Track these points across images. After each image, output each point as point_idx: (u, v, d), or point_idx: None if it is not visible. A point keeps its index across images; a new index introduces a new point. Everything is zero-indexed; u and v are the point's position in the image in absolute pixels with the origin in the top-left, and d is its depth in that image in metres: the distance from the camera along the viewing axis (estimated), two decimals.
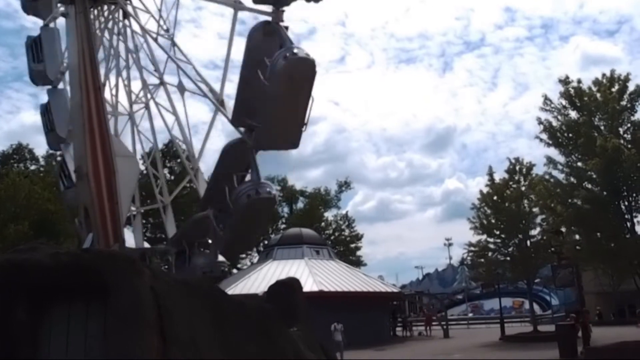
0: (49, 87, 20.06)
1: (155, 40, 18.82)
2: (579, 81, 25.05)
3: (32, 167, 48.76)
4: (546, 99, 25.45)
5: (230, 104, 15.56)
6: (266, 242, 53.80)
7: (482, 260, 36.16)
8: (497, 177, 35.53)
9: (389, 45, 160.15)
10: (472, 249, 35.78)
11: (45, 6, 19.84)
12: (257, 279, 35.61)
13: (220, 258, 15.32)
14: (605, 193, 23.11)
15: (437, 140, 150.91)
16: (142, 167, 21.81)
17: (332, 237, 60.78)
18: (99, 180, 14.05)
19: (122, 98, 20.36)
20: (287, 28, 13.67)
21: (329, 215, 64.90)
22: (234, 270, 51.77)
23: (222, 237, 14.21)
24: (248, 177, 14.21)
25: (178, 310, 7.72)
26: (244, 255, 58.00)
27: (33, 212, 35.15)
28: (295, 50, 12.45)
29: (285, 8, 13.78)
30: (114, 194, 14.11)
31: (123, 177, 14.72)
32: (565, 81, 25.07)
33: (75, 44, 15.48)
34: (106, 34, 19.38)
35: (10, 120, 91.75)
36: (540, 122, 25.23)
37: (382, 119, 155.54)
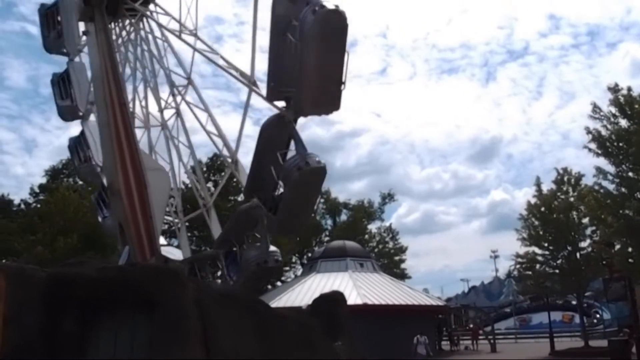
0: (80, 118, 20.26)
1: (179, 37, 18.77)
2: (629, 89, 24.27)
3: (81, 182, 50.53)
4: (595, 107, 24.74)
5: (262, 86, 15.26)
6: (310, 255, 53.95)
7: (530, 272, 35.25)
8: (545, 187, 34.73)
9: (431, 56, 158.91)
10: (520, 260, 34.93)
11: (69, 42, 19.98)
12: (300, 292, 35.64)
13: (273, 248, 14.83)
14: None
15: (482, 151, 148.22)
16: (184, 177, 21.69)
17: (375, 250, 60.36)
18: (131, 195, 14.01)
19: (153, 108, 20.43)
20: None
21: (373, 227, 64.59)
22: (278, 283, 52.17)
23: (274, 221, 13.91)
24: (291, 154, 13.95)
25: (221, 322, 7.84)
26: (287, 268, 58.35)
27: (81, 225, 36.34)
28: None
29: None
30: (147, 208, 14.07)
31: (155, 190, 14.71)
32: (614, 89, 24.33)
33: (98, 61, 15.44)
34: (130, 47, 19.58)
35: (60, 136, 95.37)
36: (588, 132, 24.52)
37: (425, 130, 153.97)
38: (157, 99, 20.18)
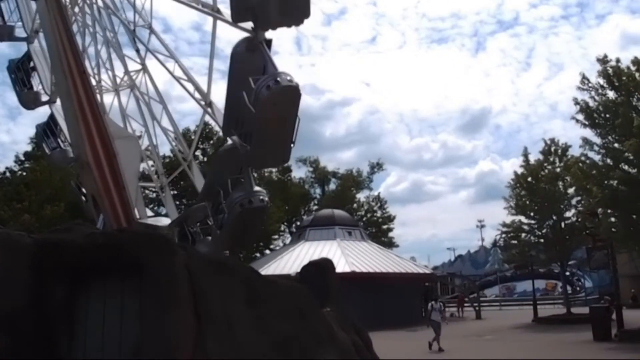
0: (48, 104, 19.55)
1: (134, 31, 18.29)
2: (618, 60, 24.29)
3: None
4: (584, 78, 24.78)
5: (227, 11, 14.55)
6: (298, 223, 54.21)
7: (516, 241, 35.81)
8: (532, 158, 35.00)
9: (421, 25, 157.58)
10: (506, 229, 35.42)
11: (27, 24, 19.13)
12: (289, 260, 36.00)
13: (257, 188, 14.12)
14: None
15: (472, 121, 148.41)
16: (163, 137, 20.52)
17: (364, 219, 60.80)
18: (101, 166, 13.61)
19: (120, 70, 19.67)
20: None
21: (361, 196, 65.03)
22: (267, 251, 52.50)
23: (253, 154, 13.24)
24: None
25: (212, 289, 7.87)
26: (276, 237, 58.64)
27: (68, 193, 36.11)
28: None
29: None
30: (119, 178, 13.71)
31: (125, 158, 14.29)
32: (603, 60, 24.33)
33: (51, 31, 14.63)
34: (87, 9, 18.75)
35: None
36: (576, 103, 24.60)
37: (414, 100, 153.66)
38: (122, 58, 19.32)
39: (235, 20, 13.49)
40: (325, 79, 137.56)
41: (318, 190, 65.95)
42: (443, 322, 23.00)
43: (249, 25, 13.36)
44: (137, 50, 19.17)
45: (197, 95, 16.98)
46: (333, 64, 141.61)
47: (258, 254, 52.10)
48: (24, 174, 47.67)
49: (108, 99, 19.75)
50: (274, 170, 62.67)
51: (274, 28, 13.40)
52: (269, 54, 12.98)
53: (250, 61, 12.91)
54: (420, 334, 29.38)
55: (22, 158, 49.45)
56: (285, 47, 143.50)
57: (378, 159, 69.37)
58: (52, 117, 19.47)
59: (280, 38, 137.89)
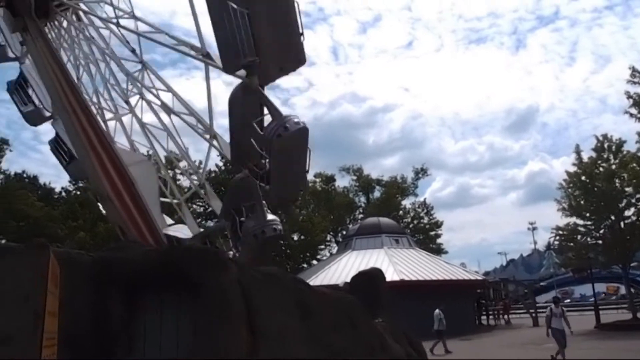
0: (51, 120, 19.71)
1: (117, 25, 17.78)
2: None
3: None
4: (634, 70, 23.86)
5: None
6: (344, 232, 54.06)
7: (572, 244, 34.51)
8: (584, 155, 33.72)
9: (458, 27, 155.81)
10: (560, 232, 34.23)
11: (15, 47, 18.99)
12: (337, 270, 35.82)
13: (270, 217, 14.21)
14: None
15: (518, 121, 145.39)
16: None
17: (410, 226, 60.21)
18: (122, 197, 13.48)
19: (116, 98, 19.41)
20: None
21: (407, 203, 64.51)
22: (314, 262, 52.51)
23: (269, 191, 13.43)
24: (268, 120, 13.37)
25: (264, 302, 7.85)
26: (322, 246, 58.67)
27: None
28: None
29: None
30: (141, 204, 13.60)
31: (143, 183, 14.27)
32: None
33: (45, 71, 14.55)
34: (75, 43, 18.71)
35: None
36: (629, 96, 23.72)
37: (455, 102, 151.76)
38: (120, 88, 19.26)
39: (227, 71, 13.43)
40: (365, 87, 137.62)
41: (363, 199, 65.73)
42: (568, 330, 18.57)
43: (242, 72, 13.21)
44: (133, 83, 19.03)
45: (199, 127, 16.96)
46: (371, 71, 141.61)
47: (305, 265, 52.20)
48: (78, 193, 49.45)
49: (111, 124, 19.46)
50: (317, 180, 62.96)
51: (272, 80, 13.59)
52: (269, 99, 13.07)
53: (249, 103, 13.06)
54: (475, 342, 28.77)
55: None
56: (322, 57, 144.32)
57: (422, 164, 68.85)
58: (57, 135, 19.66)
59: (317, 49, 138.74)
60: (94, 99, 19.19)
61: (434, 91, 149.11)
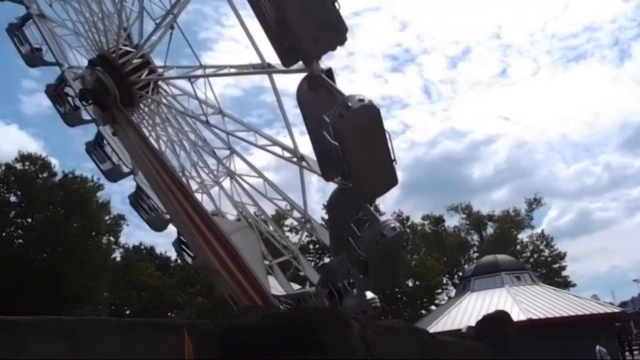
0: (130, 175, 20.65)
1: (207, 122, 18.34)
2: None
3: None
4: None
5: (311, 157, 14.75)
6: (460, 274, 52.43)
7: None
8: None
9: (553, 47, 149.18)
10: None
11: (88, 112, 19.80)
12: (457, 314, 34.56)
13: (370, 295, 14.60)
14: None
15: (635, 135, 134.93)
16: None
17: (531, 260, 57.33)
18: (228, 268, 13.83)
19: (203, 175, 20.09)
20: (330, 71, 12.96)
21: (524, 236, 61.70)
22: (432, 307, 51.03)
23: (367, 281, 13.56)
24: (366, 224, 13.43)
25: (389, 356, 7.75)
26: (439, 290, 57.03)
27: None
28: (349, 104, 11.58)
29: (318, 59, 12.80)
30: (248, 272, 13.93)
31: (246, 250, 14.62)
32: None
33: (140, 159, 15.34)
34: (161, 126, 19.38)
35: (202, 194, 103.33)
36: None
37: (561, 125, 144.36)
38: (209, 170, 20.02)
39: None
40: (463, 121, 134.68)
41: (475, 237, 63.66)
42: None
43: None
44: (221, 166, 19.65)
45: (296, 212, 17.74)
46: (467, 105, 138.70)
47: (423, 311, 50.85)
48: None
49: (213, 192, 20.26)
50: (425, 223, 61.89)
51: (370, 202, 13.37)
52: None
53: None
54: None
55: None
56: (415, 97, 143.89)
57: (535, 194, 65.57)
58: (139, 188, 20.64)
59: (408, 90, 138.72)
60: (194, 173, 19.98)
61: (537, 116, 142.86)
